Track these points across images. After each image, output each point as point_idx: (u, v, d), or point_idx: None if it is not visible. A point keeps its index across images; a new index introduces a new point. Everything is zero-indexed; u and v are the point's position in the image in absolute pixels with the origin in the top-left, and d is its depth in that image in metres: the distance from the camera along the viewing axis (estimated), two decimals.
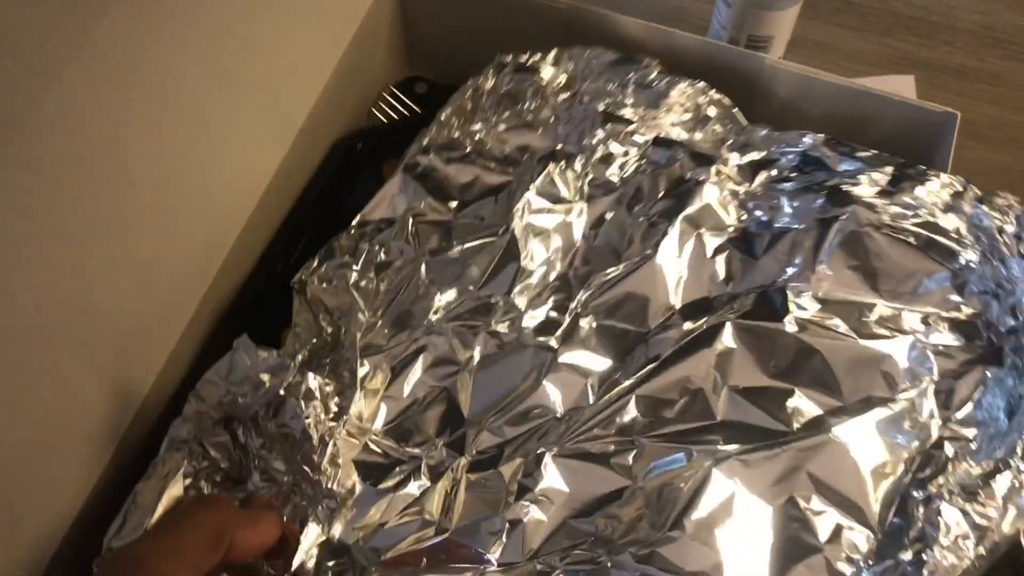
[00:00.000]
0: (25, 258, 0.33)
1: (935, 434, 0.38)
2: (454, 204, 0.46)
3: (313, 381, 0.38)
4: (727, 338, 0.40)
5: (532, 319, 0.43)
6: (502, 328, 0.43)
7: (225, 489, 0.37)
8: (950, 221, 0.43)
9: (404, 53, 0.62)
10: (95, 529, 0.37)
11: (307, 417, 0.37)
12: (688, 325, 0.42)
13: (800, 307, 0.41)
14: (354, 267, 0.43)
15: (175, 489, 0.37)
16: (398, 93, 0.60)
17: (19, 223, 0.32)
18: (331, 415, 0.39)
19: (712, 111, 0.49)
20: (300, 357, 0.41)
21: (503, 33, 0.56)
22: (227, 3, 0.41)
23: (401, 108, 0.59)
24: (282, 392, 0.38)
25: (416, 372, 0.42)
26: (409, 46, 0.61)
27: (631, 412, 0.39)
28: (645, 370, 0.40)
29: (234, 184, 0.46)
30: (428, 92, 0.61)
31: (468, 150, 0.48)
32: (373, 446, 0.40)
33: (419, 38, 0.61)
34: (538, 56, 0.50)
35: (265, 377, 0.38)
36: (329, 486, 0.37)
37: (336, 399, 0.39)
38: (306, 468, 0.37)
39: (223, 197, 0.45)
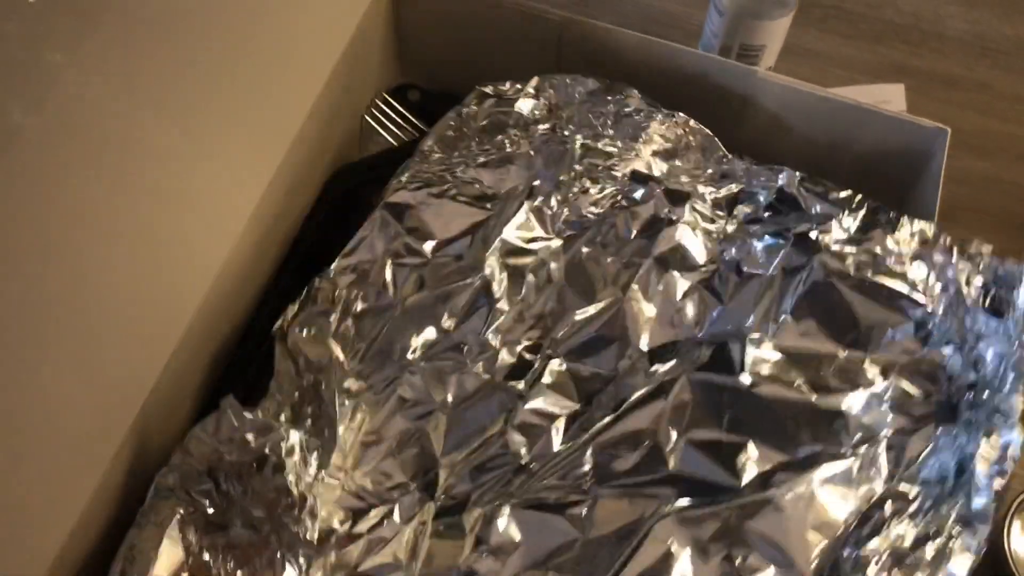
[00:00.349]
0: (17, 266, 0.35)
1: (878, 491, 0.40)
2: (432, 244, 0.48)
3: (295, 438, 0.42)
4: (683, 391, 0.43)
5: (505, 360, 0.46)
6: (476, 369, 0.46)
7: (209, 534, 0.42)
8: (917, 271, 0.44)
9: (396, 59, 0.63)
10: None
11: (289, 474, 0.41)
12: (655, 368, 0.45)
13: (759, 359, 0.43)
14: (332, 315, 0.46)
15: (172, 535, 0.41)
16: (391, 100, 0.62)
17: (12, 230, 0.34)
18: (312, 469, 0.43)
19: (692, 141, 0.50)
20: (284, 416, 0.44)
21: (496, 41, 0.58)
22: (220, 17, 0.43)
23: (394, 115, 0.61)
24: (267, 451, 0.42)
25: (393, 414, 0.45)
26: (401, 53, 0.63)
27: (588, 463, 0.42)
28: (604, 421, 0.43)
29: (228, 194, 0.48)
30: (421, 99, 0.62)
31: (447, 186, 0.50)
32: (351, 488, 0.44)
33: (411, 45, 0.63)
34: (519, 87, 0.52)
35: (250, 436, 0.42)
36: (308, 537, 0.41)
37: (316, 453, 0.43)
38: (286, 520, 0.41)
39: (217, 207, 0.47)
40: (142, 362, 0.43)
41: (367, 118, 0.60)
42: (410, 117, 0.61)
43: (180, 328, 0.44)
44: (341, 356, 0.46)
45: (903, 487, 0.40)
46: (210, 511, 0.42)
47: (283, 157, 0.50)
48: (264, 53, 0.47)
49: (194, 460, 0.42)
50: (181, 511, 0.41)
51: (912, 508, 0.40)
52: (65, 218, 0.36)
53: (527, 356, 0.46)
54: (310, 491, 0.42)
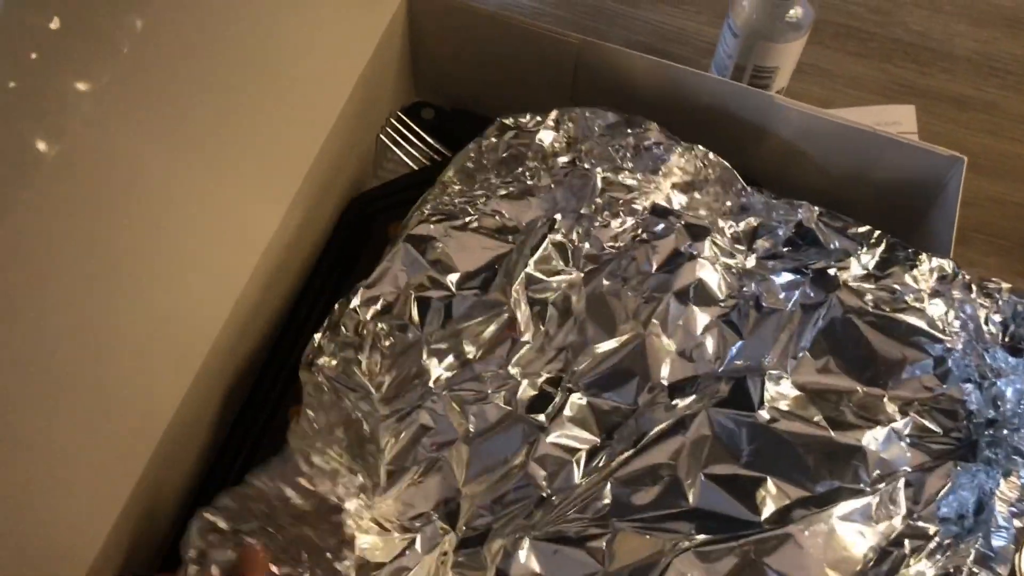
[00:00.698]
0: (35, 296, 0.36)
1: (897, 528, 0.41)
2: (456, 276, 0.50)
3: (356, 481, 0.44)
4: (702, 426, 0.44)
5: (526, 392, 0.47)
6: (498, 400, 0.47)
7: None
8: (936, 308, 0.45)
9: (410, 78, 0.65)
10: None
11: (345, 514, 0.43)
12: (675, 402, 0.46)
13: (778, 394, 0.44)
14: (359, 347, 0.48)
15: None
16: (405, 119, 0.63)
17: (30, 261, 0.35)
18: (361, 509, 0.44)
19: (711, 173, 0.52)
20: (344, 459, 0.45)
21: (512, 61, 0.59)
22: (239, 41, 0.44)
23: (408, 134, 0.62)
24: (327, 494, 0.43)
25: (415, 442, 0.46)
26: (416, 71, 0.64)
27: (608, 497, 0.43)
28: (624, 455, 0.44)
29: (246, 220, 0.49)
30: (435, 118, 0.64)
31: (469, 219, 0.51)
32: (376, 516, 0.45)
33: (426, 63, 0.64)
34: (539, 119, 0.53)
35: (316, 481, 0.43)
36: (345, 573, 0.43)
37: (363, 495, 0.44)
38: (328, 556, 0.43)
39: (235, 235, 0.48)
40: (161, 395, 0.44)
41: (382, 137, 0.62)
42: (424, 136, 0.62)
43: (199, 359, 0.45)
44: (369, 387, 0.47)
45: (922, 524, 0.41)
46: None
47: (302, 181, 0.51)
48: (284, 75, 0.48)
49: (251, 501, 0.43)
50: (230, 552, 0.42)
51: (931, 546, 0.41)
52: (82, 248, 0.38)
53: (548, 389, 0.47)
54: (358, 527, 0.43)
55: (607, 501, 0.44)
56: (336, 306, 0.49)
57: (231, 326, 0.47)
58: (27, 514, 0.37)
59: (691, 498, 0.43)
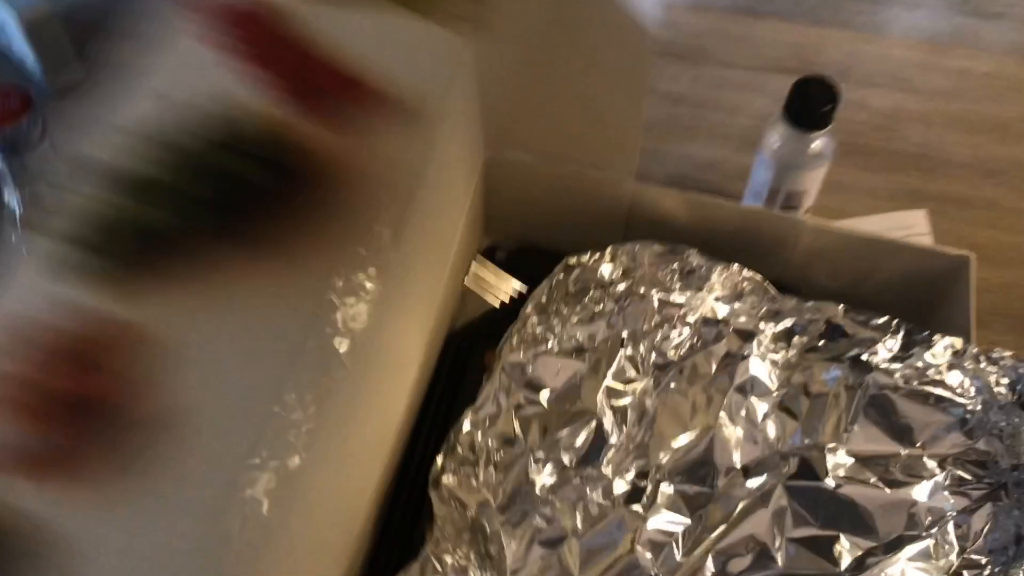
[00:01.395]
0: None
1: (955, 563, 0.51)
2: (546, 393, 0.60)
3: None
4: (780, 498, 0.53)
5: (620, 487, 0.56)
6: (597, 497, 0.56)
7: None
8: (954, 378, 0.56)
9: (483, 224, 0.76)
10: None
11: None
12: (750, 483, 0.55)
13: (837, 464, 0.54)
14: (475, 463, 0.57)
15: None
16: (485, 260, 0.75)
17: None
18: None
19: (747, 286, 0.63)
20: (473, 559, 0.54)
21: (573, 204, 0.70)
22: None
23: (488, 272, 0.73)
24: None
25: (531, 543, 0.55)
26: (487, 219, 0.76)
27: (710, 568, 0.52)
28: (718, 531, 0.53)
29: (396, 389, 0.60)
30: (507, 257, 0.75)
31: (550, 344, 0.61)
32: None
33: (496, 211, 0.76)
34: (597, 255, 0.64)
35: None
36: None
37: None
38: None
39: (397, 378, 0.59)
40: (356, 506, 0.54)
41: (467, 280, 0.73)
42: (502, 272, 0.74)
43: (376, 477, 0.56)
44: (488, 496, 0.56)
45: (975, 557, 0.50)
46: None
47: (431, 327, 0.62)
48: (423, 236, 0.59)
49: None
50: None
51: (986, 573, 0.50)
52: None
53: (639, 483, 0.56)
54: None
55: (709, 573, 0.52)
56: (451, 431, 0.59)
57: (393, 450, 0.57)
58: None
59: (779, 560, 0.52)
